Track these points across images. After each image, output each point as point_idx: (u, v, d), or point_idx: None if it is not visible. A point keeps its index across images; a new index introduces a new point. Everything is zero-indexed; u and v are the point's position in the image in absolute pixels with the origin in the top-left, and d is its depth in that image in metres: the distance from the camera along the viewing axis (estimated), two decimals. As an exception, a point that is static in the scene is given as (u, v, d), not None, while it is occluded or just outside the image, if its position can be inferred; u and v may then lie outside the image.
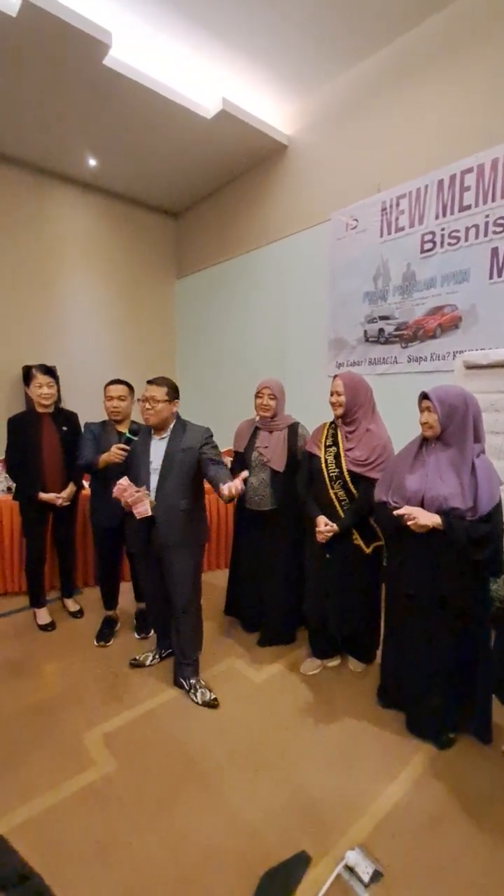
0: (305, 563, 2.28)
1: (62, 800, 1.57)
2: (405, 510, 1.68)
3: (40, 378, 2.54)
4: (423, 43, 3.17)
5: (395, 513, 1.70)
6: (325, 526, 2.04)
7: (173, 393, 2.04)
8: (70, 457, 2.58)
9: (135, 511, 1.98)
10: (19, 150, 4.35)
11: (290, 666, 2.36)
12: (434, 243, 3.16)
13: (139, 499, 1.96)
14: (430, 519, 1.63)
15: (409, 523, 1.66)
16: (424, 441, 1.82)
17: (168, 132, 4.02)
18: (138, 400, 2.05)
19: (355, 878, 1.32)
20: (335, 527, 2.03)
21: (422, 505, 1.70)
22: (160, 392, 1.99)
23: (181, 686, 2.15)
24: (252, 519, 2.48)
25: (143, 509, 1.97)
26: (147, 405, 1.99)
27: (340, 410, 2.08)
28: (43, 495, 2.54)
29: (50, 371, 2.59)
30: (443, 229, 3.11)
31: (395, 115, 3.39)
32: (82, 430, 2.57)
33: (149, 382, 2.03)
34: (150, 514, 1.97)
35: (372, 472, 2.01)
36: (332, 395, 2.11)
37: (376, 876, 1.33)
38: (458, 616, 1.71)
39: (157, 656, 2.38)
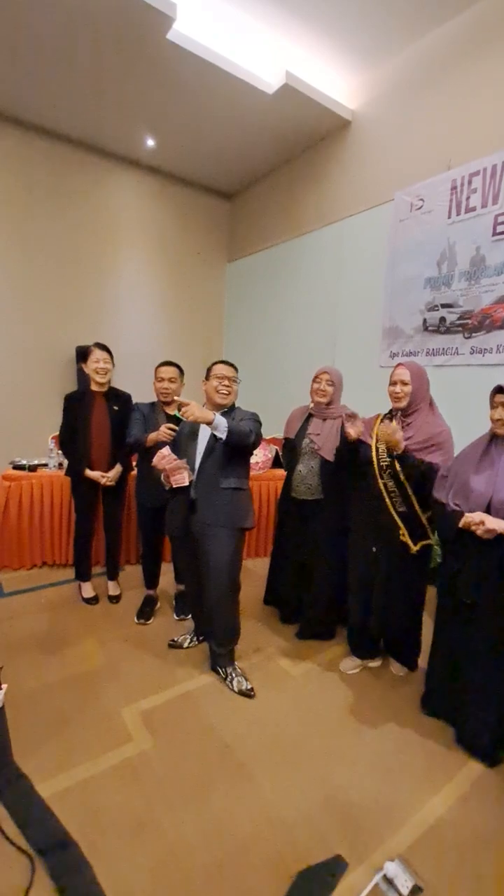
0: (349, 558, 2.19)
1: (101, 771, 1.60)
2: (471, 518, 1.56)
3: (98, 354, 2.58)
4: (500, 11, 2.88)
5: (461, 524, 1.59)
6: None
7: (237, 376, 2.09)
8: (119, 437, 2.59)
9: (172, 479, 1.97)
10: (75, 128, 4.35)
11: (328, 662, 2.30)
12: (509, 225, 2.91)
13: (178, 467, 1.96)
14: (500, 524, 1.51)
15: (474, 528, 1.55)
16: (494, 439, 1.68)
17: (228, 110, 3.91)
18: (211, 378, 2.06)
19: (394, 891, 1.26)
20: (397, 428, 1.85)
21: (488, 509, 1.58)
22: (234, 374, 2.05)
23: (217, 672, 2.15)
24: (298, 508, 2.41)
25: (181, 477, 1.97)
26: (225, 382, 2.01)
27: (405, 402, 1.95)
28: (89, 472, 2.58)
29: (107, 349, 2.62)
30: (520, 210, 2.86)
31: (468, 87, 3.12)
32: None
33: (221, 363, 2.06)
34: (186, 483, 1.97)
35: (429, 456, 1.88)
36: (394, 384, 1.98)
37: (416, 890, 1.26)
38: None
39: (194, 639, 2.39)
